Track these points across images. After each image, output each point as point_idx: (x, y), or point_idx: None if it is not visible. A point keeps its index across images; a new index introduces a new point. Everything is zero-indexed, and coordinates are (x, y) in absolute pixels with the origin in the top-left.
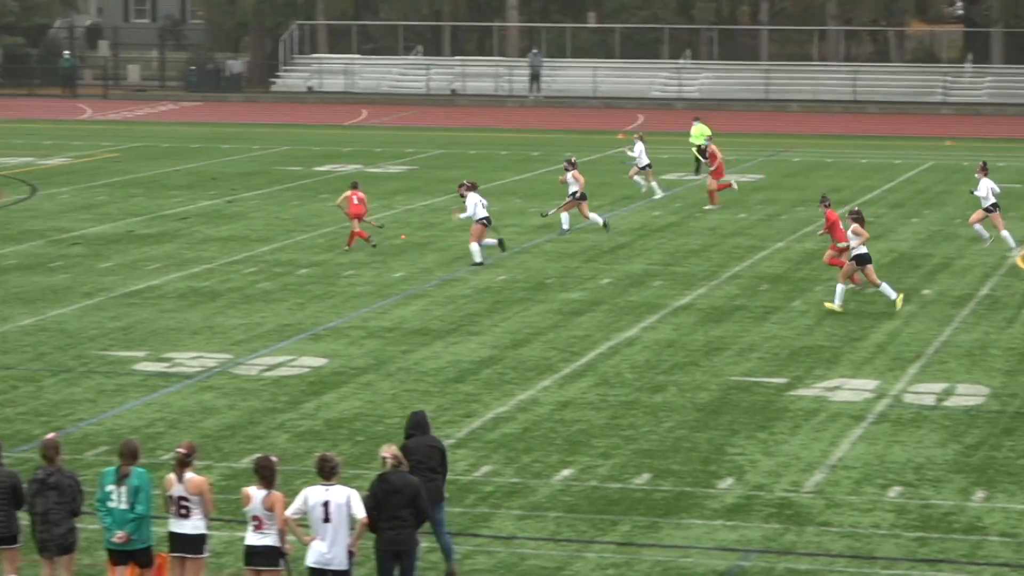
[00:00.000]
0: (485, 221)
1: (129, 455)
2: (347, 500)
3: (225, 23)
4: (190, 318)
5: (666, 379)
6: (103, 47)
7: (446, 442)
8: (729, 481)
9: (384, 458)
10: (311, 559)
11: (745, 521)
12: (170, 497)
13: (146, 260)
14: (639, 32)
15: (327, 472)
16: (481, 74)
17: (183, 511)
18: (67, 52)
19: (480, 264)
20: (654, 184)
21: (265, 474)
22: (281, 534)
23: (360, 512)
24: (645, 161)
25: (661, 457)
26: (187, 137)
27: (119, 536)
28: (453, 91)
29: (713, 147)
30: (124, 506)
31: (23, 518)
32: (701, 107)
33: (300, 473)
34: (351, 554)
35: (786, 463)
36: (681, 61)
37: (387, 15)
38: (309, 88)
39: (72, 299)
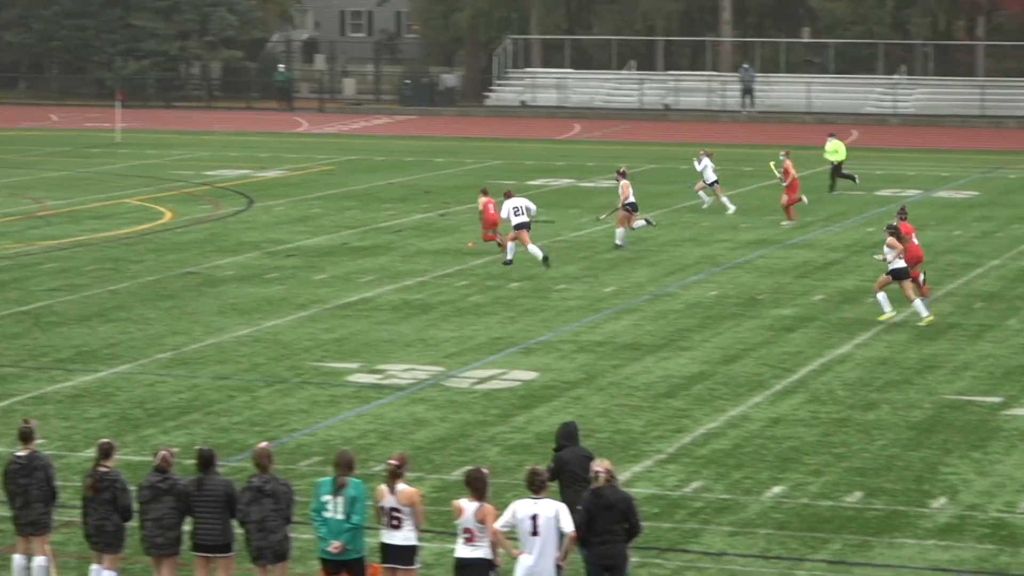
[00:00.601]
0: (518, 227)
1: (345, 466)
2: (556, 514)
3: (440, 37)
4: (403, 330)
5: (879, 397)
6: (319, 61)
7: (656, 457)
8: (942, 500)
9: (597, 472)
10: (519, 572)
11: (958, 541)
12: (382, 508)
13: (360, 272)
14: (853, 47)
15: (536, 486)
16: (694, 89)
17: (395, 522)
18: (281, 66)
19: (509, 262)
20: (725, 199)
21: (477, 486)
22: (492, 547)
23: (568, 526)
24: (712, 177)
25: (873, 475)
26: (401, 150)
27: (334, 546)
28: (666, 106)
29: (788, 162)
30: (340, 516)
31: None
32: (916, 123)
33: (510, 486)
34: (559, 568)
35: (1000, 483)
36: (896, 76)
37: (600, 30)
38: (522, 102)
39: (287, 310)
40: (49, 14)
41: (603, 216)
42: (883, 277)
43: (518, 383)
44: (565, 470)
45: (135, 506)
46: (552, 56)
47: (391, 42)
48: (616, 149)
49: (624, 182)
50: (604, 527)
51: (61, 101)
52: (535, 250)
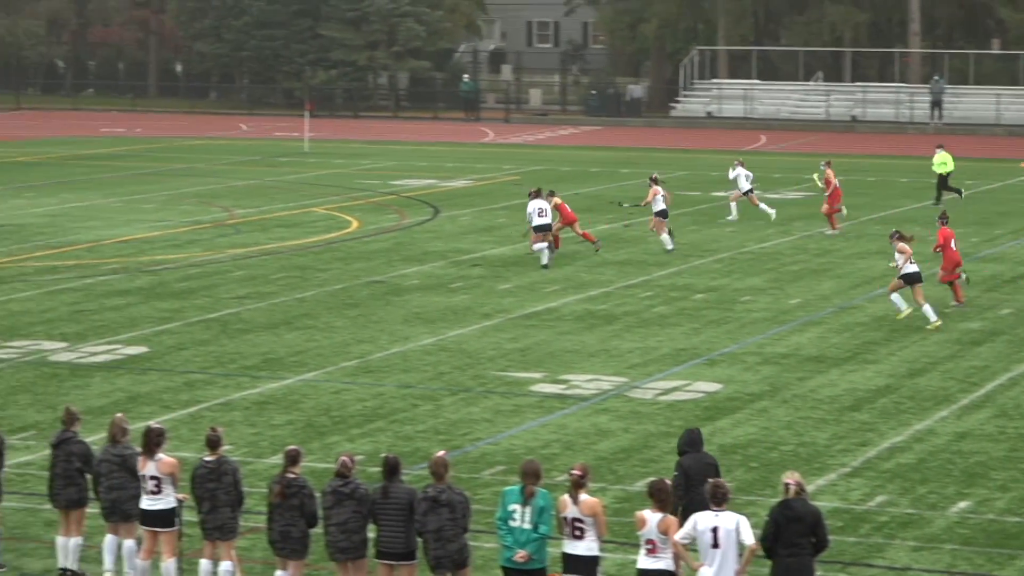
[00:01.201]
0: (540, 229)
1: (533, 475)
2: (736, 526)
3: (626, 48)
4: (587, 341)
5: None
6: (506, 71)
7: (840, 471)
8: None
9: (787, 484)
10: None
11: None
12: (564, 518)
13: (544, 282)
14: None
15: (718, 498)
16: (882, 100)
17: (577, 533)
18: (466, 76)
19: (546, 266)
20: (763, 206)
21: (660, 497)
22: (674, 558)
23: (749, 538)
24: (746, 186)
25: None
26: (586, 161)
27: (520, 555)
28: (853, 117)
29: (830, 172)
30: (527, 526)
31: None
32: None
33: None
34: None
35: None
36: None
37: (788, 41)
38: (708, 113)
39: (471, 320)
40: (240, 24)
41: (627, 223)
42: (895, 281)
43: (702, 395)
44: (688, 475)
45: (319, 512)
46: (739, 67)
47: (577, 52)
48: (802, 161)
49: (654, 188)
50: (791, 540)
51: (251, 111)
52: (540, 247)
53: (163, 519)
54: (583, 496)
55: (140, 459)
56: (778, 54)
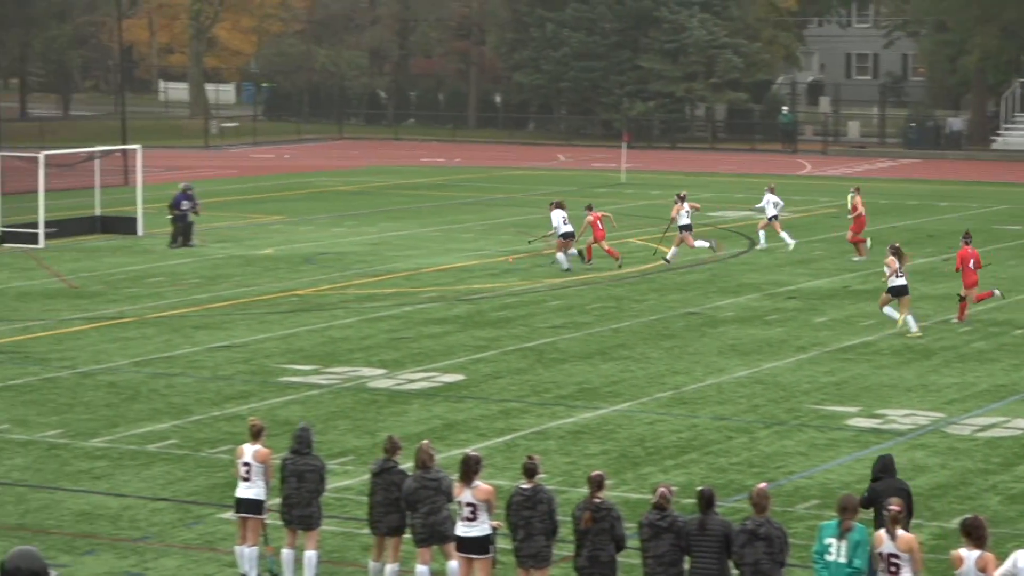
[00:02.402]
0: (566, 236)
1: (851, 510)
2: None
3: (946, 81)
4: (904, 375)
5: None
6: (824, 103)
7: None
8: None
9: None
10: None
11: None
12: (880, 554)
13: (860, 316)
14: None
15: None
16: None
17: (892, 569)
18: (785, 108)
19: (568, 270)
20: (784, 235)
21: (977, 535)
22: None
23: None
24: (772, 212)
25: None
26: (904, 194)
27: None
28: None
29: (858, 198)
30: (843, 560)
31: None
32: None
33: (1011, 536)
34: None
35: None
36: None
37: None
38: None
39: (787, 352)
40: (559, 56)
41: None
42: (883, 295)
43: (1021, 431)
44: (877, 501)
45: (634, 543)
46: None
47: (896, 85)
48: None
49: (678, 205)
50: None
51: (569, 141)
52: (562, 257)
53: (478, 546)
54: (900, 532)
55: (456, 486)
56: None
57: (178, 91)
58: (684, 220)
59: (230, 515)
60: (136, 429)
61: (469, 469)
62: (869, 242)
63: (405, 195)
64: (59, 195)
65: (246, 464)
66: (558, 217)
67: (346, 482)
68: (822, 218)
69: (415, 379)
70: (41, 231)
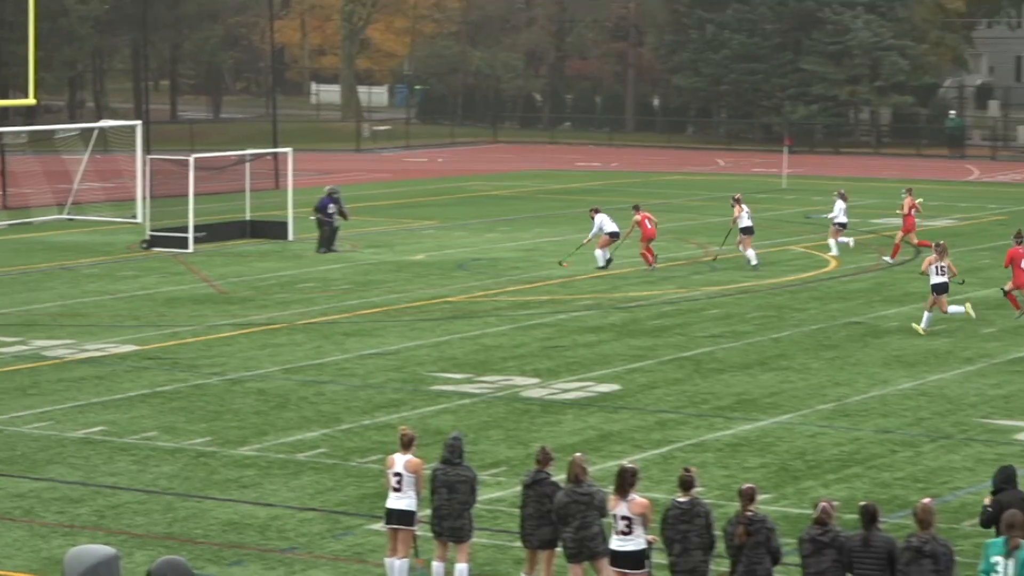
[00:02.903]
0: (612, 235)
1: (1019, 527)
2: None
3: None
4: None
5: None
6: (993, 107)
7: None
8: None
9: None
10: None
11: None
12: None
13: None
14: None
15: None
16: None
17: None
18: (952, 112)
19: (603, 267)
20: (830, 241)
21: None
22: None
23: None
24: (843, 219)
25: None
26: None
27: None
28: None
29: (909, 199)
30: None
31: None
32: None
33: None
34: None
35: None
36: None
37: None
38: None
39: (953, 364)
40: (719, 58)
41: (718, 249)
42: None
43: None
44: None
45: (794, 559)
46: None
47: None
48: None
49: (737, 207)
50: None
51: (728, 146)
52: (600, 254)
53: (633, 561)
54: None
55: (611, 499)
56: None
57: (330, 93)
58: (745, 222)
59: (380, 526)
60: (285, 438)
61: (625, 482)
62: (915, 239)
63: (560, 200)
64: (209, 199)
65: (397, 474)
66: (600, 220)
67: (498, 493)
68: (990, 225)
69: (569, 389)
70: (191, 235)
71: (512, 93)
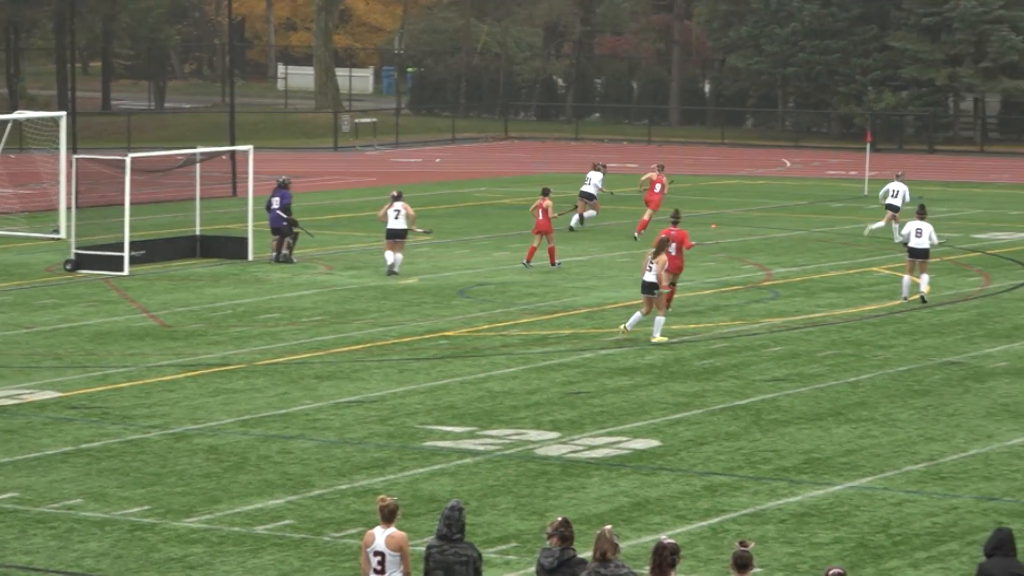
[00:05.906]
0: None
1: None
2: None
3: None
4: None
5: None
6: None
7: None
8: None
9: None
10: None
11: None
12: None
13: None
14: None
15: None
16: None
17: None
18: None
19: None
20: (872, 225)
21: None
22: None
23: None
24: (899, 204)
25: None
26: None
27: None
28: None
29: None
30: None
31: None
32: None
33: None
34: None
35: None
36: None
37: None
38: None
39: None
40: (785, 33)
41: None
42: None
43: None
44: None
45: None
46: None
47: None
48: None
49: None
50: None
51: (796, 142)
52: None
53: None
54: None
55: None
56: None
57: (301, 78)
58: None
59: None
60: (242, 506)
61: (663, 560)
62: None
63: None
64: (149, 208)
65: (378, 553)
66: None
67: (508, 575)
68: None
69: (596, 445)
70: (126, 254)
71: (528, 77)
